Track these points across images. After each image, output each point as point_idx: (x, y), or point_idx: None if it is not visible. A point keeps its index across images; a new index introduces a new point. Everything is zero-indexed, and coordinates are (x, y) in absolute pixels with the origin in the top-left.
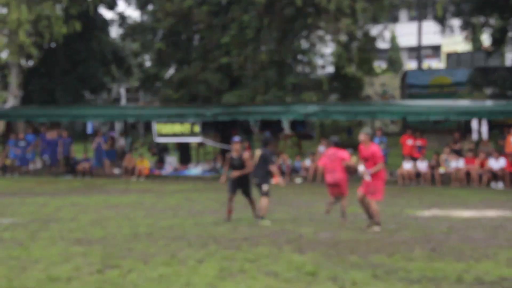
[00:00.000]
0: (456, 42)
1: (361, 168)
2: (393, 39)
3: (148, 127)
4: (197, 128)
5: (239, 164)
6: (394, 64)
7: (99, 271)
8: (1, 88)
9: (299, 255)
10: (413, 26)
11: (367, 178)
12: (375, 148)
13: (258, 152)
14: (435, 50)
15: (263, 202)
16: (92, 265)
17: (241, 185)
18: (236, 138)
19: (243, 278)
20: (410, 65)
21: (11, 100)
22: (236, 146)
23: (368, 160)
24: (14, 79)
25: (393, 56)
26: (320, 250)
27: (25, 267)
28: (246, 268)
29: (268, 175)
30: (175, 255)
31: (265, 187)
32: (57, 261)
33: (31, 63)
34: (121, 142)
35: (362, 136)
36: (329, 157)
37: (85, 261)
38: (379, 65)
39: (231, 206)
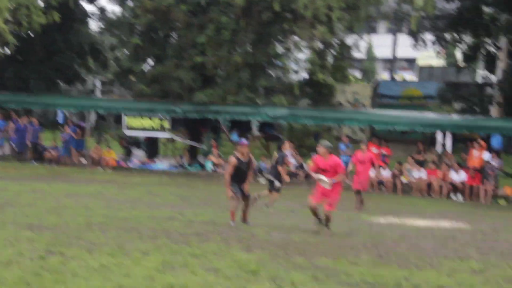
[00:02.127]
0: (431, 56)
1: (321, 176)
2: (369, 49)
3: (118, 120)
4: (166, 124)
5: (246, 168)
6: (368, 74)
7: (41, 257)
8: None
9: (246, 254)
10: (390, 38)
11: (327, 186)
12: (335, 159)
13: (275, 154)
14: (410, 63)
15: (275, 196)
16: (36, 251)
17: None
18: (245, 141)
19: (183, 273)
20: (385, 76)
21: None
22: (245, 149)
23: (328, 171)
24: None
25: (368, 66)
26: (268, 250)
27: None
28: (189, 263)
29: (279, 175)
30: (122, 246)
31: (278, 183)
32: (1, 244)
33: (7, 50)
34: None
35: (320, 149)
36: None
37: (30, 247)
38: (354, 74)
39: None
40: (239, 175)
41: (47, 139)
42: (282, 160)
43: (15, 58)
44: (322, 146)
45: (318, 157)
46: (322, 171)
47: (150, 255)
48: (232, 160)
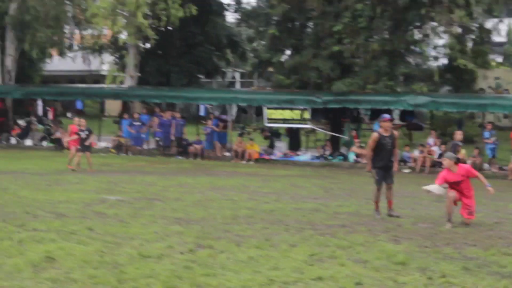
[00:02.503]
0: None
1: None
2: (510, 32)
3: (259, 112)
4: (307, 115)
5: (390, 145)
6: (510, 58)
7: (191, 251)
8: (119, 68)
9: (393, 245)
10: None
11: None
12: (464, 167)
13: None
14: None
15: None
16: (185, 245)
17: (389, 171)
18: (387, 116)
19: (331, 265)
20: None
21: (128, 81)
22: (387, 125)
23: (461, 181)
24: (131, 60)
25: (509, 50)
26: (415, 240)
27: (120, 244)
28: (337, 255)
29: None
30: (269, 239)
31: None
32: (152, 239)
33: (148, 45)
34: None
35: (445, 162)
36: None
37: (180, 240)
38: (494, 58)
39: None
40: (383, 154)
41: (190, 133)
42: (454, 149)
43: (156, 53)
44: (447, 158)
45: (445, 170)
46: (454, 184)
47: (297, 247)
48: (374, 135)
